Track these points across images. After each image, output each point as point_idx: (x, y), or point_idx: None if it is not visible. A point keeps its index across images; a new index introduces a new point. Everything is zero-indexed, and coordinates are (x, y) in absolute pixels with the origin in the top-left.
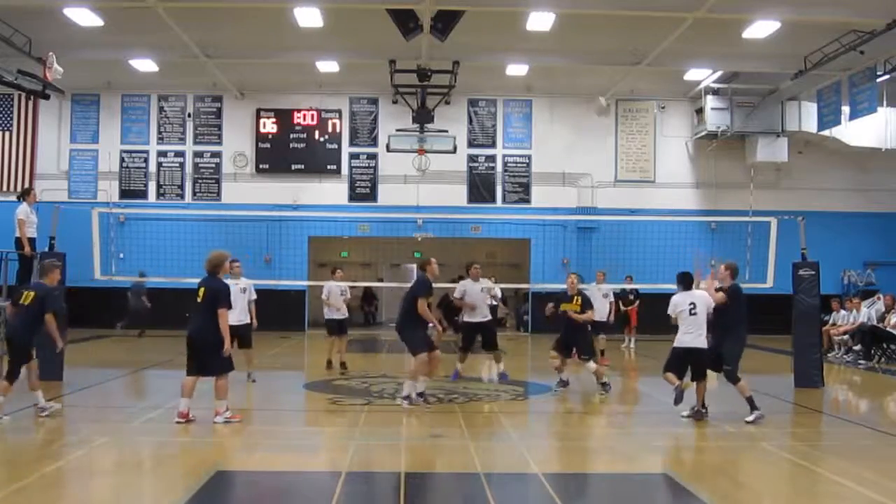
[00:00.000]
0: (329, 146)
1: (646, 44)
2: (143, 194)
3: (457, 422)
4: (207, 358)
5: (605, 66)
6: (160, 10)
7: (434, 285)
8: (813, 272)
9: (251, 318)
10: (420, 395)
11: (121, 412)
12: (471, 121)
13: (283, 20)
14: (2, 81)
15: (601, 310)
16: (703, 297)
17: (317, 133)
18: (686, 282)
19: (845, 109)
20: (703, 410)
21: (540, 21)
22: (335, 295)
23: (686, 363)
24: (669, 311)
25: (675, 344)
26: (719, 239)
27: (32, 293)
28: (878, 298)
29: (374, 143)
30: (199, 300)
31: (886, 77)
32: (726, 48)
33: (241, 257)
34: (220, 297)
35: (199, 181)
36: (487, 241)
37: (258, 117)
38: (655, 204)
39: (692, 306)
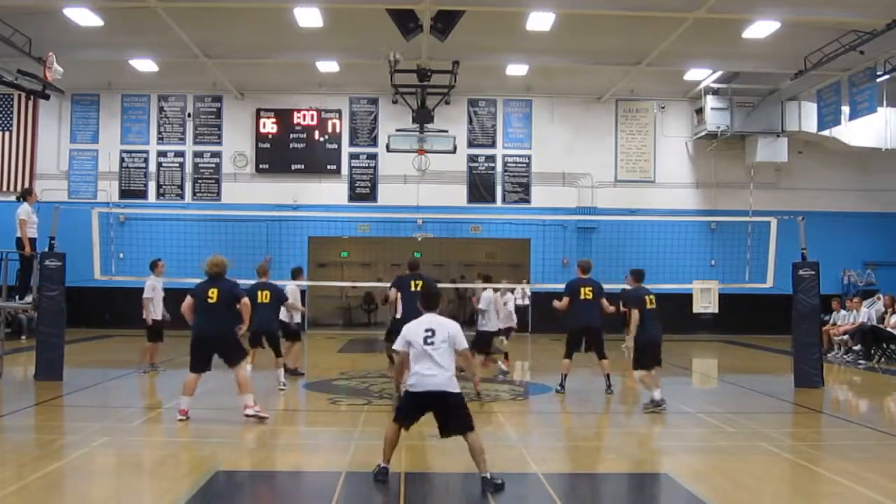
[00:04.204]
0: (329, 146)
1: (646, 44)
2: (142, 194)
3: None
4: (227, 351)
5: (605, 66)
6: (160, 10)
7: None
8: (813, 272)
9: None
10: None
11: (121, 412)
12: (471, 121)
13: (283, 20)
14: (2, 81)
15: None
16: (452, 324)
17: (317, 133)
18: (430, 304)
19: (845, 109)
20: None
21: (540, 21)
22: (158, 293)
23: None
24: (397, 347)
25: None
26: (719, 239)
27: None
28: (878, 298)
29: (374, 143)
30: (212, 301)
31: (886, 77)
32: (726, 48)
33: (241, 257)
34: (235, 292)
35: (199, 181)
36: (487, 241)
37: (258, 117)
38: (655, 204)
39: (429, 333)
